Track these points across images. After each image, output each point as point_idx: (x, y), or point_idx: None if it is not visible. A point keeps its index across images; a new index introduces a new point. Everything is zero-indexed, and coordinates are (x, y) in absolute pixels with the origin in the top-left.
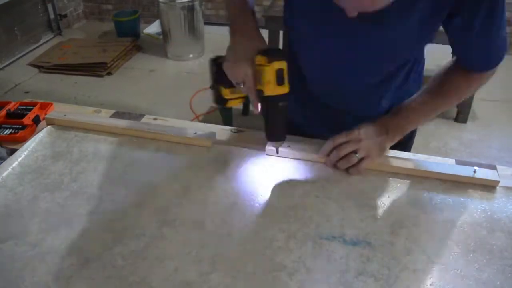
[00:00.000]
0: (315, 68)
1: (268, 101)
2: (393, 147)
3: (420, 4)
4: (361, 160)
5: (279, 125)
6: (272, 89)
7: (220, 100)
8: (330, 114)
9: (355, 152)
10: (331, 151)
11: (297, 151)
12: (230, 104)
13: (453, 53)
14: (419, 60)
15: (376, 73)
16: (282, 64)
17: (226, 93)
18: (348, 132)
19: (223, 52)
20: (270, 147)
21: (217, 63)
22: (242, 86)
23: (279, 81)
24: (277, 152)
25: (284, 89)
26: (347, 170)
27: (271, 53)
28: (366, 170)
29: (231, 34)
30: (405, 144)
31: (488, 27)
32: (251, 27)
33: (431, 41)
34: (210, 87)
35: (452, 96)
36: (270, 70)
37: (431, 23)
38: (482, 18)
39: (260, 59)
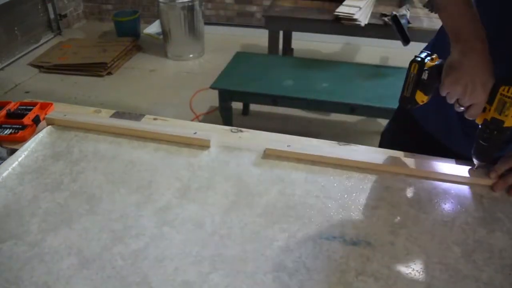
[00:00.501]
0: None
1: (503, 130)
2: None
3: None
4: None
5: (497, 150)
6: (511, 122)
7: (412, 102)
8: None
9: None
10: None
11: (297, 150)
12: (419, 101)
13: None
14: None
15: None
16: None
17: (423, 98)
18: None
19: (223, 52)
20: (270, 146)
21: (427, 70)
22: (462, 107)
23: None
24: (476, 168)
25: None
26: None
27: None
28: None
29: (453, 38)
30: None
31: None
32: (480, 37)
33: None
34: (405, 90)
35: None
36: None
37: None
38: None
39: (509, 91)
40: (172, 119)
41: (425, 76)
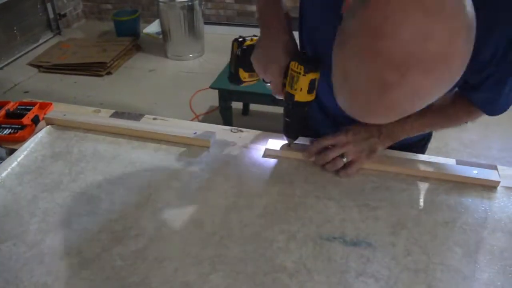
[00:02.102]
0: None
1: (295, 105)
2: (407, 150)
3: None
4: (349, 163)
5: (300, 125)
6: (303, 97)
7: (236, 79)
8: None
9: (342, 155)
10: (318, 153)
11: (297, 151)
12: (245, 84)
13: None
14: None
15: None
16: (316, 75)
17: (244, 75)
18: (335, 134)
19: (223, 51)
20: (270, 146)
21: (242, 47)
22: (268, 83)
23: (310, 91)
24: (289, 145)
25: (312, 97)
26: (336, 172)
27: (309, 64)
28: (356, 172)
29: (260, 26)
30: (420, 149)
31: (496, 85)
32: (281, 21)
33: None
34: (228, 66)
35: (451, 119)
36: (305, 80)
37: None
38: (492, 80)
39: (296, 67)
40: (171, 119)
41: (239, 53)
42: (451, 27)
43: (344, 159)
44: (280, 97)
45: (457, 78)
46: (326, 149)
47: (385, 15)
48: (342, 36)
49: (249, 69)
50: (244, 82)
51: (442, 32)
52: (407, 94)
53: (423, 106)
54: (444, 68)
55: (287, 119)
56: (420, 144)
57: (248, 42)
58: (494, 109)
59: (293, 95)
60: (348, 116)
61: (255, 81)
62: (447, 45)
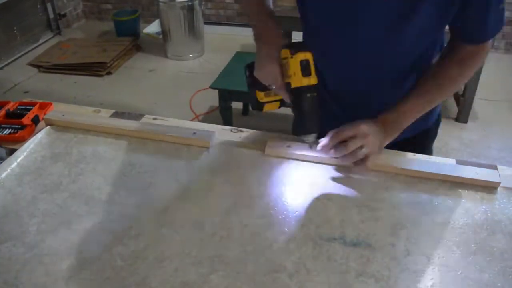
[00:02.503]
0: (330, 61)
1: (295, 93)
2: (413, 151)
3: None
4: (365, 156)
5: (309, 117)
6: (298, 81)
7: (257, 104)
8: (344, 109)
9: (361, 147)
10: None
11: (297, 151)
12: (267, 108)
13: (450, 24)
14: (435, 50)
15: (395, 61)
16: (307, 55)
17: (261, 96)
18: (353, 126)
19: (223, 51)
20: (270, 146)
21: (250, 69)
22: (274, 87)
23: (305, 73)
24: (311, 147)
25: (311, 80)
26: (354, 164)
27: (294, 45)
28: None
29: (255, 40)
30: (426, 149)
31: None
32: (271, 28)
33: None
34: (250, 95)
35: (446, 86)
36: (294, 62)
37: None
38: None
39: (284, 53)
40: (171, 119)
41: (246, 74)
42: None
43: (363, 150)
44: (288, 99)
45: None
46: (343, 141)
47: None
48: None
49: (261, 87)
50: (264, 104)
51: None
52: None
53: None
54: None
55: (294, 114)
56: (427, 140)
57: (250, 64)
58: (487, 29)
59: (289, 83)
60: (362, 102)
61: (277, 104)
62: None
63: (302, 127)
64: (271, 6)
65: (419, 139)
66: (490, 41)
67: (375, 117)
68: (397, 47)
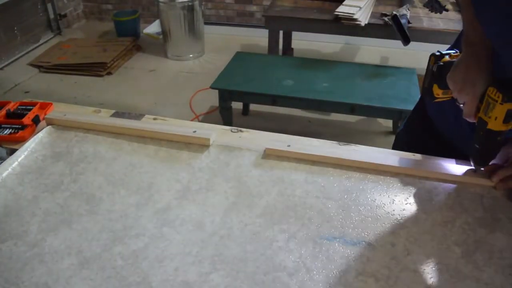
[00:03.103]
0: None
1: (487, 133)
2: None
3: None
4: None
5: (489, 153)
6: (496, 126)
7: (429, 94)
8: None
9: None
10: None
11: (297, 151)
12: (437, 100)
13: None
14: None
15: None
16: None
17: (437, 92)
18: None
19: (223, 51)
20: (270, 146)
21: (439, 64)
22: (461, 104)
23: (507, 120)
24: (475, 171)
25: (508, 127)
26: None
27: (509, 92)
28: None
29: (464, 45)
30: None
31: None
32: (486, 47)
33: None
34: (424, 82)
35: None
36: (502, 109)
37: None
38: None
39: (494, 93)
40: (172, 119)
41: (434, 69)
42: None
43: None
44: (472, 121)
45: None
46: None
47: None
48: None
49: (444, 86)
50: (437, 98)
51: None
52: None
53: None
54: None
55: (476, 146)
56: None
57: (445, 59)
58: None
59: (486, 122)
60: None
61: (449, 98)
62: None
63: (479, 161)
64: None
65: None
66: None
67: None
68: None
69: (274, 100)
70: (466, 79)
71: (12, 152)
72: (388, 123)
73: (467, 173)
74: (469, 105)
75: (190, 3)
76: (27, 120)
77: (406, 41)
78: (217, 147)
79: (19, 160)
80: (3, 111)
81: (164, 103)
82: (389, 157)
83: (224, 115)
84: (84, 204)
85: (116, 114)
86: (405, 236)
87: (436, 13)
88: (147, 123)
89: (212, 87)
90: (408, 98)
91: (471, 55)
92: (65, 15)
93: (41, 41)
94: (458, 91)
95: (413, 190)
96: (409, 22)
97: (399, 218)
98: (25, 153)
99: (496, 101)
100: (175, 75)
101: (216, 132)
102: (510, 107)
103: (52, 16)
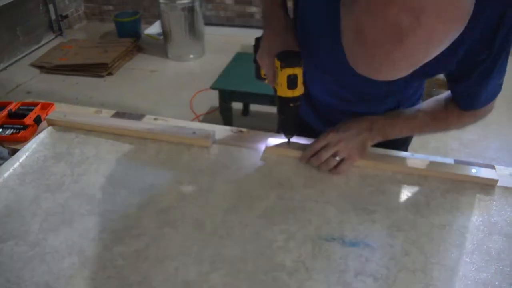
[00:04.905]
0: (316, 75)
1: (279, 100)
2: (388, 146)
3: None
4: (342, 161)
5: (288, 122)
6: (283, 92)
7: (258, 76)
8: (329, 113)
9: (334, 155)
10: (312, 155)
11: (297, 151)
12: (266, 81)
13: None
14: None
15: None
16: (296, 70)
17: (263, 73)
18: (326, 134)
19: (223, 52)
20: (270, 146)
21: (256, 45)
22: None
23: (290, 86)
24: (288, 142)
25: (295, 93)
26: (330, 171)
27: (286, 59)
28: (349, 169)
29: (263, 27)
30: (401, 145)
31: (485, 75)
32: (280, 22)
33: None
34: (253, 61)
35: (441, 123)
36: (282, 75)
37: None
38: (483, 68)
39: (276, 62)
40: (172, 119)
41: (254, 46)
42: None
43: (337, 158)
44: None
45: (464, 23)
46: (319, 150)
47: None
48: None
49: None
50: (264, 79)
51: None
52: (421, 39)
53: (435, 53)
54: (454, 9)
55: (280, 115)
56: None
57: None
58: (476, 102)
59: (276, 90)
60: (338, 110)
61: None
62: None
63: (283, 129)
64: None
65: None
66: (493, 101)
67: (363, 116)
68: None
69: (274, 100)
70: (263, 53)
71: (13, 152)
72: None
73: (283, 146)
74: (268, 74)
75: (190, 4)
76: (28, 120)
77: None
78: (217, 147)
79: (20, 160)
80: (5, 111)
81: (164, 103)
82: (387, 156)
83: (224, 116)
84: (85, 204)
85: (117, 115)
86: (403, 238)
87: None
88: (148, 124)
89: (212, 88)
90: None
91: (267, 35)
92: (66, 16)
93: (42, 42)
94: (262, 66)
95: (411, 193)
96: None
97: (396, 221)
98: (27, 153)
99: (278, 68)
100: (175, 75)
101: (216, 133)
102: (289, 72)
103: (53, 17)
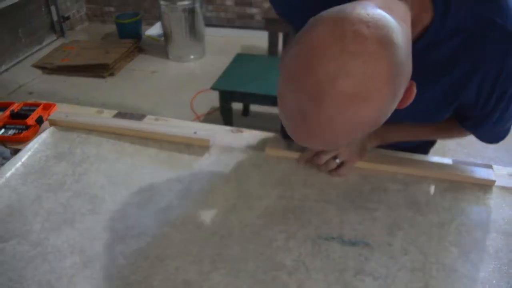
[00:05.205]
0: None
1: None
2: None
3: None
4: (342, 163)
5: None
6: None
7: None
8: None
9: (335, 157)
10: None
11: (297, 150)
12: None
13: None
14: None
15: None
16: None
17: None
18: None
19: (223, 53)
20: (270, 146)
21: None
22: None
23: None
24: (289, 143)
25: None
26: (329, 173)
27: None
28: (349, 172)
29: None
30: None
31: (494, 111)
32: None
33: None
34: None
35: (442, 131)
36: None
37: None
38: (494, 103)
39: None
40: (173, 120)
41: None
42: (370, 69)
43: (337, 160)
44: None
45: (381, 120)
46: (319, 152)
47: (307, 53)
48: (281, 65)
49: None
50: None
51: (357, 73)
52: (323, 124)
53: (348, 139)
54: (359, 107)
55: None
56: (422, 148)
57: None
58: (484, 137)
59: None
60: None
61: None
62: (363, 86)
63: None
64: None
65: (418, 149)
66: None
67: None
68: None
69: (274, 101)
70: None
71: (16, 152)
72: None
73: (282, 145)
74: None
75: (191, 6)
76: (30, 120)
77: None
78: (217, 147)
79: (22, 160)
80: (7, 112)
81: (165, 103)
82: (387, 156)
83: (224, 116)
84: (86, 204)
85: (119, 115)
86: (402, 237)
87: None
88: (149, 124)
89: (212, 88)
90: None
91: None
92: (68, 18)
93: (44, 43)
94: None
95: (410, 192)
96: None
97: (396, 220)
98: (29, 153)
99: None
100: (176, 76)
101: (217, 133)
102: None
103: (55, 18)
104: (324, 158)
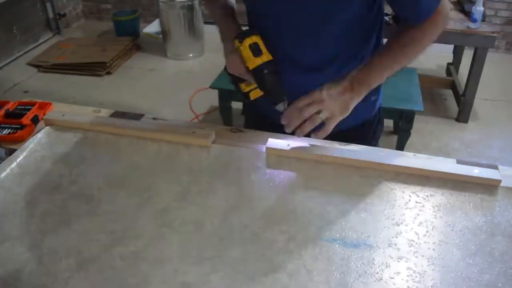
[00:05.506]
0: (270, 39)
1: (255, 73)
2: (357, 142)
3: None
4: (324, 121)
5: (272, 90)
6: (252, 62)
7: (244, 96)
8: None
9: (318, 113)
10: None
11: (297, 150)
12: (253, 95)
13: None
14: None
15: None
16: (253, 38)
17: (243, 87)
18: (309, 94)
19: (222, 51)
20: (270, 146)
21: (226, 69)
22: (242, 75)
23: (256, 53)
24: (283, 111)
25: (263, 58)
26: (309, 134)
27: (241, 34)
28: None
29: (221, 40)
30: (369, 141)
31: None
32: (232, 28)
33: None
34: (231, 82)
35: (408, 46)
36: (244, 48)
37: None
38: None
39: (235, 43)
40: (171, 119)
41: (227, 73)
42: None
43: (321, 115)
44: (246, 78)
45: None
46: (303, 107)
47: None
48: None
49: (240, 79)
50: (249, 93)
51: None
52: None
53: None
54: None
55: (263, 90)
56: (369, 131)
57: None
58: (419, 14)
59: (247, 67)
60: (299, 91)
61: (257, 89)
62: None
63: (271, 100)
64: (233, 2)
65: (361, 130)
66: (441, 3)
67: (340, 78)
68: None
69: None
70: (228, 58)
71: (11, 152)
72: (388, 123)
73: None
74: (241, 71)
75: (189, 3)
76: (26, 120)
77: None
78: (217, 147)
79: (18, 160)
80: (2, 111)
81: (163, 102)
82: (390, 157)
83: (224, 115)
84: (83, 205)
85: (116, 114)
86: (405, 239)
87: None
88: (147, 123)
89: (212, 87)
90: (408, 98)
91: (225, 46)
92: (64, 15)
93: (40, 41)
94: (233, 70)
95: (413, 193)
96: None
97: (399, 221)
98: (24, 153)
99: (238, 46)
100: (174, 74)
101: (216, 132)
102: (248, 42)
103: (51, 15)
104: (308, 112)
